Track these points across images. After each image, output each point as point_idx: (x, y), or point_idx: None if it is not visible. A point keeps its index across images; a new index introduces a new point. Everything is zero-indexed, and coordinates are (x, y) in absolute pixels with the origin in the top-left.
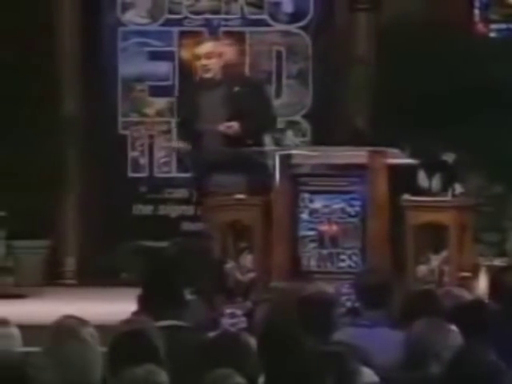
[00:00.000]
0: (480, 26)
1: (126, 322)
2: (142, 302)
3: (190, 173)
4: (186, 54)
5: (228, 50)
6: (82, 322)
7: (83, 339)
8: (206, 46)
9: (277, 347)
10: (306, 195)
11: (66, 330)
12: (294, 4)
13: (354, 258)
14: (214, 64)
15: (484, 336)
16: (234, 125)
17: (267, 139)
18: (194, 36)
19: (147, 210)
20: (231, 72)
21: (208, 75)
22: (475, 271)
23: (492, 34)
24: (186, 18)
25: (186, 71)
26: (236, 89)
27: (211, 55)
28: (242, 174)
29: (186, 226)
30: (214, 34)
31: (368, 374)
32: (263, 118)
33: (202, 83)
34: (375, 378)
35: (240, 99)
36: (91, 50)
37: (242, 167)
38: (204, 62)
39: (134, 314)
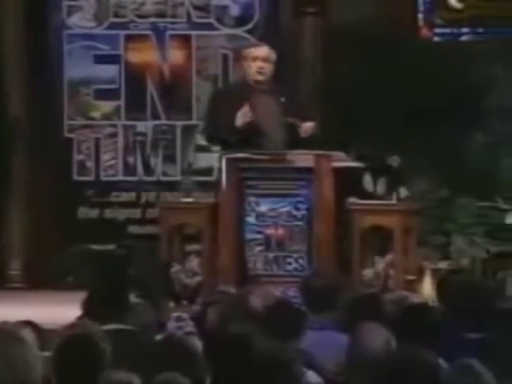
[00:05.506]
0: (424, 30)
1: (71, 326)
2: (87, 305)
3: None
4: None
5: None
6: (21, 323)
7: (23, 340)
8: (263, 50)
9: (225, 350)
10: (253, 198)
11: (6, 331)
12: (241, 8)
13: (301, 261)
14: (267, 69)
15: (429, 338)
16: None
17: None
18: (140, 40)
19: (93, 213)
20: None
21: (260, 78)
22: (420, 274)
23: (436, 38)
24: (131, 21)
25: (132, 75)
26: (282, 99)
27: (267, 59)
28: None
29: (133, 229)
30: (160, 37)
31: (312, 376)
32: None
33: (256, 85)
34: (319, 380)
35: (284, 110)
36: (37, 52)
37: None
38: (260, 64)
39: (78, 318)
